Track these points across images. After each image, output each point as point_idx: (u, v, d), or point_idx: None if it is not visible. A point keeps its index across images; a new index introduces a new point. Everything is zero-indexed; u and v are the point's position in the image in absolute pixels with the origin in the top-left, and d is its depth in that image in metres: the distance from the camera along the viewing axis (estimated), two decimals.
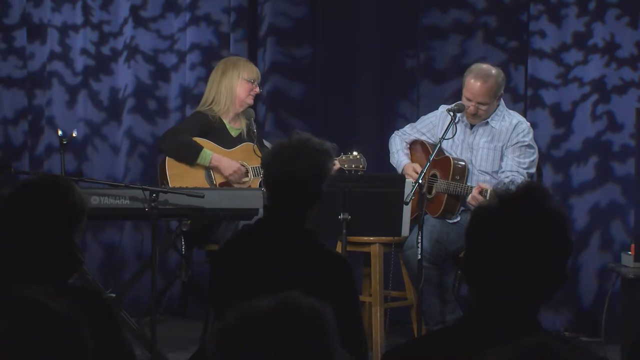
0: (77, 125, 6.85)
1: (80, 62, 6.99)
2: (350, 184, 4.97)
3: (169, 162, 5.88)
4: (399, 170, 5.98)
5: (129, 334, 5.16)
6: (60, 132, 5.95)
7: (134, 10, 6.97)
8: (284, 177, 3.53)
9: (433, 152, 5.64)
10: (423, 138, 6.03)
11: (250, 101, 6.05)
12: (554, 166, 6.69)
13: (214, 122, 5.99)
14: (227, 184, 5.93)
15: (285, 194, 3.55)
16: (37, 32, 6.94)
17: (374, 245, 5.75)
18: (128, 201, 5.27)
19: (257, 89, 6.07)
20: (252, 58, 6.85)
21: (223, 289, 3.58)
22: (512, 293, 2.18)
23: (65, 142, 5.85)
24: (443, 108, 5.95)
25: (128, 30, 6.97)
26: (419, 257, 5.27)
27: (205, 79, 6.92)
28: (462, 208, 5.80)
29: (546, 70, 6.72)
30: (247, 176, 5.99)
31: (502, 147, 5.80)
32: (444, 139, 5.62)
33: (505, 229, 2.17)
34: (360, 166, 5.91)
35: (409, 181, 5.34)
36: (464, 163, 5.81)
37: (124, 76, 6.99)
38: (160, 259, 5.90)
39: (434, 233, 5.74)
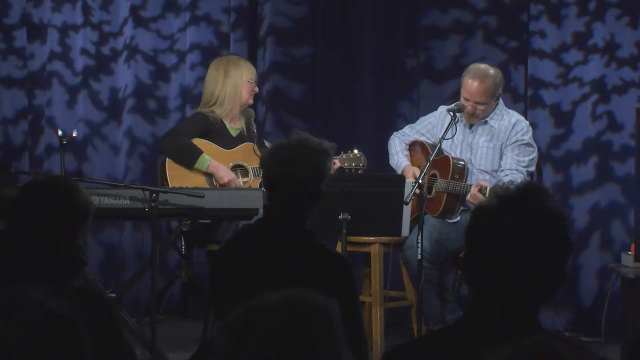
0: (77, 125, 6.85)
1: (80, 62, 6.99)
2: (350, 184, 4.97)
3: (169, 162, 5.88)
4: (399, 172, 5.97)
5: (129, 334, 5.16)
6: (60, 132, 5.95)
7: (134, 10, 6.97)
8: (283, 177, 3.53)
9: (433, 153, 5.64)
10: (422, 139, 6.03)
11: (251, 101, 6.07)
12: (554, 166, 6.69)
13: (215, 124, 5.99)
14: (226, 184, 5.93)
15: (285, 194, 3.55)
16: (37, 32, 6.94)
17: (374, 245, 5.75)
18: (128, 201, 5.27)
19: (257, 89, 6.09)
20: (252, 58, 6.85)
21: (223, 289, 3.58)
22: (512, 293, 2.18)
23: (65, 142, 5.85)
24: (442, 108, 5.95)
25: (128, 30, 6.97)
26: (419, 257, 5.27)
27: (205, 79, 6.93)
28: (462, 208, 5.80)
29: (546, 70, 6.72)
30: (248, 176, 5.99)
31: (501, 146, 5.81)
32: (444, 139, 5.63)
33: (505, 229, 2.17)
34: (361, 164, 5.91)
35: (409, 181, 5.34)
36: (463, 162, 5.81)
37: (124, 76, 6.99)
38: (160, 259, 5.90)
39: (434, 233, 5.74)
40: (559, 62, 6.70)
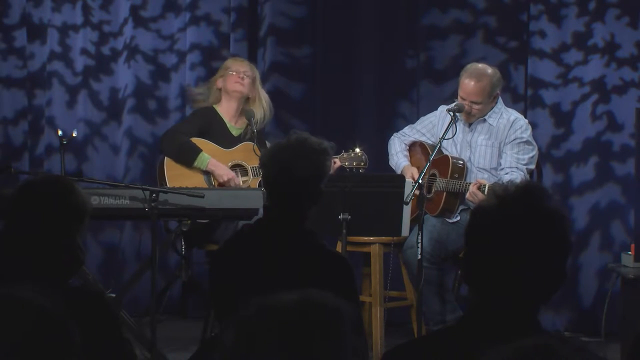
0: (77, 125, 6.85)
1: (80, 62, 6.99)
2: (350, 184, 4.96)
3: (168, 163, 5.89)
4: (398, 172, 5.97)
5: (129, 334, 5.16)
6: (60, 132, 5.94)
7: (134, 10, 6.97)
8: (283, 176, 3.53)
9: (433, 153, 5.64)
10: (423, 139, 6.03)
11: (239, 88, 6.04)
12: (554, 166, 6.69)
13: (215, 121, 6.00)
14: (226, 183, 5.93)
15: (284, 193, 3.55)
16: (37, 32, 6.94)
17: (374, 245, 5.75)
18: (128, 201, 5.27)
19: (244, 78, 6.06)
20: (252, 58, 6.85)
21: (223, 289, 3.58)
22: (512, 293, 2.18)
23: (65, 142, 5.85)
24: (442, 108, 5.95)
25: (128, 30, 6.97)
26: (419, 257, 5.27)
27: (205, 79, 6.93)
28: (461, 207, 5.80)
29: (546, 70, 6.72)
30: (247, 176, 5.99)
31: (500, 144, 5.80)
32: (444, 139, 5.63)
33: (504, 228, 2.17)
34: (362, 163, 5.91)
35: (409, 181, 5.34)
36: (462, 162, 5.81)
37: (124, 76, 6.99)
38: (160, 259, 5.90)
39: (434, 233, 5.74)
40: (559, 62, 6.70)
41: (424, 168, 5.44)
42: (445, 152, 5.85)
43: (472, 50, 6.77)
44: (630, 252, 5.74)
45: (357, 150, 5.94)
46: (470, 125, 5.86)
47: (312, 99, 7.00)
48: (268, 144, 5.96)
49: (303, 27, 6.99)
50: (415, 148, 6.07)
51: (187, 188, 5.40)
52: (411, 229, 5.52)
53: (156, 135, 6.85)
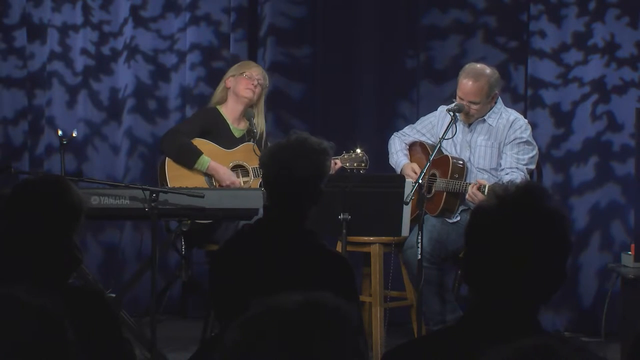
0: (77, 125, 6.85)
1: (80, 62, 6.99)
2: (350, 184, 4.96)
3: (169, 163, 5.89)
4: (398, 171, 5.98)
5: (129, 334, 5.16)
6: (60, 132, 5.95)
7: (134, 10, 6.97)
8: (283, 176, 3.53)
9: (433, 153, 5.64)
10: (423, 139, 6.03)
11: (251, 96, 6.04)
12: (554, 166, 6.69)
13: (217, 122, 6.00)
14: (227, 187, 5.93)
15: (284, 193, 3.55)
16: (37, 32, 6.94)
17: (374, 245, 5.75)
18: (128, 201, 5.27)
19: (255, 87, 6.06)
20: (252, 58, 6.86)
21: (223, 289, 3.58)
22: (512, 293, 2.18)
23: (65, 142, 5.85)
24: (442, 108, 5.95)
25: (128, 30, 6.97)
26: (419, 257, 5.27)
27: (205, 79, 6.94)
28: (461, 207, 5.80)
29: (546, 70, 6.72)
30: (248, 176, 5.99)
31: (500, 144, 5.80)
32: (444, 139, 5.63)
33: (504, 229, 2.17)
34: (363, 164, 5.91)
35: (409, 181, 5.34)
36: (462, 162, 5.81)
37: (124, 76, 6.99)
38: (160, 259, 5.90)
39: (434, 233, 5.74)
40: (559, 62, 6.70)
41: (424, 168, 5.44)
42: (445, 153, 5.85)
43: (472, 50, 6.77)
44: (630, 252, 5.74)
45: (358, 150, 5.94)
46: (469, 125, 5.86)
47: (312, 99, 7.00)
48: (268, 144, 5.97)
49: (303, 27, 6.99)
50: (416, 148, 6.07)
51: (187, 188, 5.40)
52: (411, 229, 5.52)
53: (156, 135, 6.85)
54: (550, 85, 6.71)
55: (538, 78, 6.73)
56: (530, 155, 5.80)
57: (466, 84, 5.73)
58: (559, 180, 6.68)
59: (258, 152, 5.73)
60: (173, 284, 6.39)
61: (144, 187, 5.25)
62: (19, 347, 1.65)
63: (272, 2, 6.91)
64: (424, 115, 6.18)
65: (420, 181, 5.29)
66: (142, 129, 6.99)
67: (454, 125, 5.64)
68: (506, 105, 5.98)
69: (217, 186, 5.88)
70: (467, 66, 5.84)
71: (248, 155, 5.96)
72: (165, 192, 5.23)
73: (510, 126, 5.80)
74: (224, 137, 6.01)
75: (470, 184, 5.64)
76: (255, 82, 6.05)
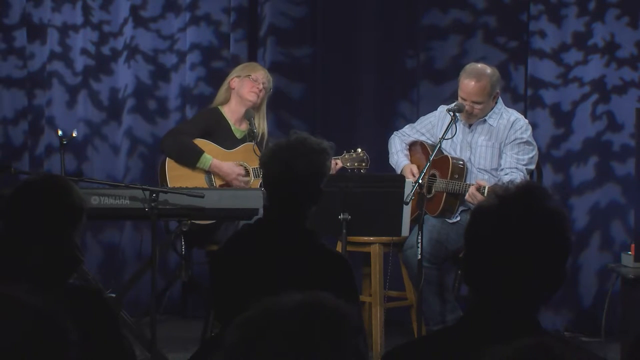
0: (77, 125, 6.85)
1: (80, 62, 6.99)
2: (350, 184, 4.96)
3: (169, 163, 5.89)
4: (398, 171, 5.98)
5: (129, 334, 5.16)
6: (60, 132, 5.95)
7: (134, 10, 6.97)
8: (283, 176, 3.53)
9: (433, 153, 5.64)
10: (422, 138, 6.03)
11: (254, 98, 6.04)
12: (554, 166, 6.69)
13: (219, 123, 6.00)
14: (227, 185, 5.93)
15: (285, 193, 3.55)
16: (37, 32, 6.94)
17: (374, 245, 5.75)
18: (128, 201, 5.27)
19: (260, 90, 6.06)
20: (252, 58, 6.86)
21: (223, 289, 3.59)
22: (512, 293, 2.18)
23: (65, 142, 5.85)
24: (442, 108, 5.95)
25: (128, 30, 6.97)
26: (419, 257, 5.27)
27: (205, 79, 6.94)
28: (461, 207, 5.80)
29: (546, 70, 6.72)
30: (249, 177, 5.99)
31: (501, 144, 5.80)
32: (444, 139, 5.63)
33: (504, 229, 2.17)
34: (364, 164, 5.91)
35: (409, 181, 5.34)
36: (463, 162, 5.81)
37: (124, 76, 6.99)
38: (160, 259, 5.90)
39: (434, 233, 5.74)
40: (559, 62, 6.70)
41: (424, 168, 5.44)
42: (445, 153, 5.85)
43: (472, 50, 6.77)
44: (630, 252, 5.74)
45: (359, 150, 5.94)
46: (470, 126, 5.86)
47: (312, 99, 7.00)
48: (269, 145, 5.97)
49: (303, 27, 6.99)
50: (416, 147, 6.07)
51: (187, 188, 5.40)
52: (411, 229, 5.53)
53: (156, 135, 6.85)
54: (550, 85, 6.71)
55: (538, 78, 6.73)
56: (530, 155, 5.80)
57: (468, 84, 5.72)
58: (559, 180, 6.68)
59: (258, 153, 5.73)
60: (173, 284, 6.39)
61: (144, 187, 5.25)
62: (21, 347, 1.65)
63: (272, 2, 6.90)
64: (424, 115, 6.18)
65: (420, 181, 5.29)
66: (142, 129, 6.99)
67: (454, 125, 5.63)
68: (506, 105, 5.98)
69: (217, 186, 5.88)
70: (467, 66, 5.84)
71: (248, 155, 5.95)
72: (165, 192, 5.23)
73: (511, 126, 5.80)
74: (225, 138, 6.01)
75: (470, 184, 5.64)
76: (261, 86, 6.05)
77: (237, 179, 5.89)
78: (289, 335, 1.67)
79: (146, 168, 6.93)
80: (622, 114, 6.61)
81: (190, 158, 5.88)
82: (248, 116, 6.01)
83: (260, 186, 5.68)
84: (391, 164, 6.08)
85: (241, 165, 5.98)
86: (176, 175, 5.84)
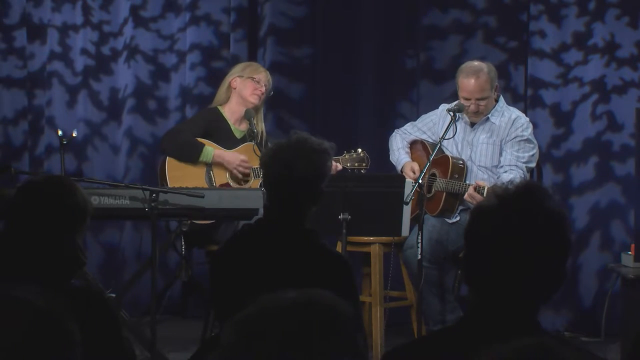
0: (77, 125, 6.85)
1: (80, 62, 6.99)
2: (350, 184, 4.96)
3: (169, 164, 5.88)
4: (398, 168, 5.98)
5: (129, 334, 5.16)
6: (60, 132, 5.95)
7: (134, 10, 6.97)
8: (283, 177, 3.53)
9: (433, 152, 5.64)
10: (424, 137, 6.03)
11: (255, 100, 6.04)
12: (554, 166, 6.69)
13: (218, 123, 6.00)
14: (227, 185, 5.93)
15: (285, 193, 3.55)
16: (37, 32, 6.94)
17: (374, 245, 5.75)
18: (128, 201, 5.27)
19: (261, 91, 6.07)
20: (252, 58, 6.86)
21: (223, 289, 3.58)
22: (512, 293, 2.18)
23: (65, 142, 5.85)
24: (444, 107, 5.95)
25: (128, 30, 6.97)
26: (419, 257, 5.27)
27: (205, 79, 6.94)
28: (461, 207, 5.80)
29: (546, 70, 6.72)
30: (249, 177, 5.99)
31: (501, 142, 5.80)
32: (444, 138, 5.62)
33: (504, 229, 2.17)
34: (364, 164, 5.91)
35: (409, 181, 5.34)
36: (463, 162, 5.81)
37: (124, 76, 6.99)
38: (160, 259, 5.90)
39: (434, 233, 5.74)
40: (559, 62, 6.70)
41: (424, 168, 5.44)
42: (445, 152, 5.85)
43: (472, 50, 6.77)
44: (630, 252, 5.74)
45: (360, 150, 5.94)
46: (472, 125, 5.85)
47: (312, 99, 7.00)
48: (269, 144, 5.97)
49: (303, 27, 6.99)
50: (417, 146, 6.07)
51: (187, 188, 5.40)
52: (411, 229, 5.53)
53: (156, 135, 6.85)
54: (550, 85, 6.71)
55: (538, 78, 6.73)
56: (531, 153, 5.80)
57: (468, 83, 5.73)
58: (559, 180, 6.67)
59: (258, 153, 5.72)
60: (173, 284, 6.39)
61: (144, 187, 5.24)
62: (26, 348, 1.65)
63: (272, 2, 6.91)
64: (424, 115, 6.18)
65: (420, 181, 5.29)
66: (142, 129, 6.99)
67: (454, 124, 5.63)
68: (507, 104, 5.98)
69: (216, 186, 5.88)
70: (462, 66, 5.85)
71: (248, 155, 5.95)
72: (165, 192, 5.22)
73: (512, 124, 5.80)
74: (225, 138, 6.01)
75: (469, 184, 5.64)
76: (263, 89, 6.05)
77: (241, 165, 5.88)
78: (285, 333, 1.67)
79: (146, 168, 6.93)
80: (622, 114, 6.61)
81: (192, 153, 5.87)
82: (248, 116, 6.01)
83: (260, 186, 5.69)
84: (392, 161, 6.08)
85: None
86: (176, 175, 5.84)
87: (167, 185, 5.74)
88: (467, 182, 5.74)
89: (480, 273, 2.22)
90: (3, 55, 6.90)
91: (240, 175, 5.92)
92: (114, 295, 5.91)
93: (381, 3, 6.91)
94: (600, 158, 6.64)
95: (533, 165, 5.84)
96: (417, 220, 5.36)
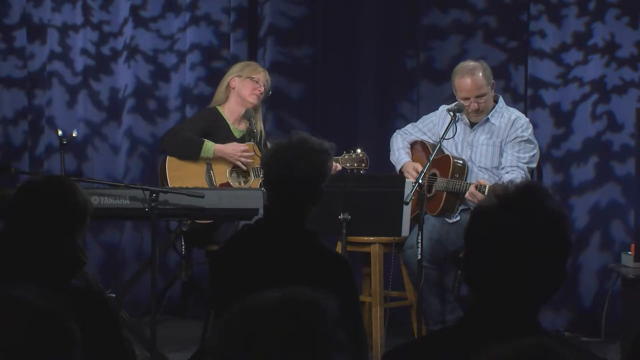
0: (77, 125, 6.85)
1: (80, 62, 6.99)
2: (350, 184, 4.96)
3: (170, 163, 5.88)
4: (398, 168, 5.98)
5: (129, 334, 5.16)
6: (60, 132, 5.95)
7: (134, 10, 6.97)
8: (284, 177, 3.53)
9: (433, 152, 5.64)
10: (424, 137, 6.04)
11: (255, 100, 6.04)
12: (554, 166, 6.69)
13: (218, 123, 6.00)
14: (227, 185, 5.93)
15: (285, 194, 3.55)
16: (37, 32, 6.94)
17: (374, 245, 5.75)
18: (128, 201, 5.27)
19: (263, 92, 6.07)
20: (252, 58, 6.86)
21: (223, 289, 3.58)
22: (512, 293, 2.18)
23: (65, 142, 5.85)
24: (443, 108, 5.95)
25: (128, 30, 6.97)
26: (419, 257, 5.27)
27: (205, 79, 6.94)
28: (461, 207, 5.80)
29: (546, 70, 6.72)
30: (249, 177, 6.00)
31: (502, 143, 5.81)
32: (444, 139, 5.63)
33: (504, 229, 2.17)
34: (363, 164, 5.91)
35: (409, 181, 5.34)
36: (463, 161, 5.81)
37: (124, 76, 6.99)
38: (160, 259, 5.90)
39: (434, 233, 5.74)
40: (559, 62, 6.70)
41: (424, 167, 5.44)
42: (446, 152, 5.85)
43: (472, 50, 6.77)
44: (630, 252, 5.74)
45: (359, 151, 5.94)
46: (472, 125, 5.86)
47: (312, 99, 7.00)
48: (269, 144, 5.97)
49: (303, 27, 6.99)
50: (417, 147, 6.07)
51: (187, 188, 5.40)
52: (411, 229, 5.53)
53: (156, 135, 6.85)
54: (550, 85, 6.71)
55: (538, 78, 6.73)
56: (531, 154, 5.80)
57: (465, 82, 5.73)
58: (559, 180, 6.67)
59: (258, 153, 5.73)
60: (173, 284, 6.39)
61: (144, 187, 5.24)
62: (27, 348, 1.65)
63: (272, 2, 6.91)
64: (424, 115, 6.18)
65: (420, 181, 5.29)
66: (142, 129, 6.99)
67: (454, 125, 5.63)
68: (506, 105, 5.98)
69: (217, 185, 5.88)
70: (456, 68, 5.86)
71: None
72: (165, 192, 5.22)
73: (512, 125, 5.80)
74: (224, 138, 6.01)
75: (470, 183, 5.64)
76: (262, 88, 6.06)
77: (242, 155, 5.88)
78: (270, 334, 1.67)
79: (146, 168, 6.94)
80: (622, 114, 6.61)
81: (192, 150, 5.88)
82: (248, 116, 6.01)
83: (260, 186, 5.69)
84: (392, 161, 6.08)
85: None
86: (176, 175, 5.84)
87: (167, 185, 5.75)
88: (468, 181, 5.74)
89: (480, 273, 2.22)
90: (3, 55, 6.90)
91: (244, 167, 5.92)
92: (114, 295, 5.91)
93: (381, 3, 6.91)
94: (600, 158, 6.64)
95: (534, 165, 5.84)
96: (417, 220, 5.36)
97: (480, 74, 5.74)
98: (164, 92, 7.05)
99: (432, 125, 6.02)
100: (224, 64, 6.91)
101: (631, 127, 6.39)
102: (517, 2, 6.78)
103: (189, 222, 5.41)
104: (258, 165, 5.79)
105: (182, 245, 5.77)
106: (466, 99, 5.75)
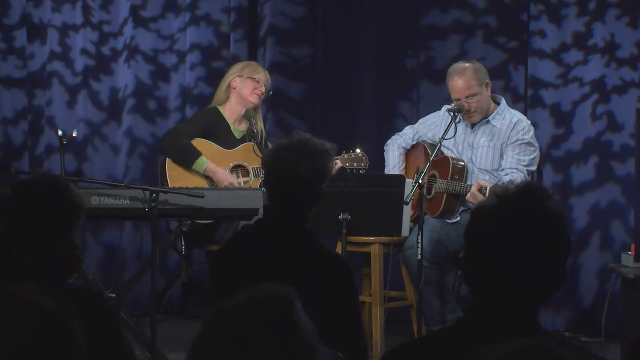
0: (77, 125, 6.85)
1: (80, 62, 7.00)
2: (350, 184, 4.96)
3: (170, 163, 5.89)
4: None
5: (129, 334, 5.16)
6: (60, 132, 5.95)
7: (134, 10, 6.98)
8: (284, 177, 3.53)
9: (433, 153, 5.64)
10: (426, 137, 6.03)
11: (255, 100, 6.05)
12: (554, 166, 6.69)
13: (218, 123, 6.00)
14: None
15: (285, 194, 3.55)
16: (37, 32, 6.94)
17: (374, 245, 5.75)
18: (128, 201, 5.27)
19: (261, 91, 6.08)
20: (252, 58, 6.86)
21: (223, 289, 3.58)
22: (511, 293, 2.18)
23: (65, 142, 5.85)
24: (445, 108, 5.95)
25: (128, 30, 6.98)
26: (419, 257, 5.27)
27: (205, 79, 6.95)
28: (461, 208, 5.80)
29: (546, 70, 6.72)
30: (249, 177, 6.00)
31: (502, 145, 5.81)
32: (444, 139, 5.63)
33: (504, 229, 2.17)
34: (362, 164, 5.91)
35: (409, 181, 5.34)
36: (463, 163, 5.81)
37: (124, 76, 6.99)
38: (160, 259, 5.90)
39: (434, 233, 5.74)
40: (559, 62, 6.70)
41: (424, 168, 5.44)
42: (445, 153, 5.85)
43: (472, 50, 6.77)
44: (630, 252, 5.74)
45: (358, 150, 5.94)
46: (473, 126, 5.86)
47: (312, 99, 7.00)
48: (269, 145, 5.97)
49: (303, 27, 6.99)
50: (417, 150, 6.07)
51: (187, 188, 5.40)
52: (411, 229, 5.53)
53: (156, 135, 6.85)
54: (550, 85, 6.71)
55: (538, 78, 6.73)
56: (532, 157, 5.80)
57: (455, 83, 5.75)
58: (559, 180, 6.67)
59: (258, 153, 5.73)
60: (173, 284, 6.39)
61: (144, 187, 5.25)
62: (31, 348, 1.65)
63: (272, 2, 6.91)
64: (424, 115, 6.19)
65: (420, 181, 5.29)
66: (142, 129, 7.00)
67: (454, 125, 5.64)
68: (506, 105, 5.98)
69: (215, 185, 5.88)
70: (449, 70, 5.88)
71: (248, 155, 5.95)
72: (165, 192, 5.23)
73: (513, 127, 5.80)
74: (224, 138, 6.01)
75: (470, 185, 5.64)
76: (263, 88, 6.06)
77: (228, 186, 5.89)
78: (237, 334, 1.68)
79: (146, 168, 6.94)
80: (622, 114, 6.61)
81: (187, 159, 5.88)
82: (248, 116, 6.01)
83: (260, 186, 5.69)
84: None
85: (242, 165, 5.98)
86: (176, 175, 5.84)
87: (167, 184, 5.75)
88: (468, 183, 5.74)
89: (480, 273, 2.22)
90: (3, 55, 6.91)
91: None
92: (114, 295, 5.91)
93: (381, 3, 6.92)
94: (600, 158, 6.64)
95: (534, 168, 5.84)
96: (417, 221, 5.36)
97: (470, 74, 5.74)
98: (164, 92, 7.05)
99: (433, 125, 6.01)
100: (224, 64, 6.91)
101: (631, 127, 6.39)
102: (517, 2, 6.78)
103: (189, 222, 5.41)
104: (258, 165, 5.79)
105: (182, 245, 5.77)
106: (457, 99, 5.76)
